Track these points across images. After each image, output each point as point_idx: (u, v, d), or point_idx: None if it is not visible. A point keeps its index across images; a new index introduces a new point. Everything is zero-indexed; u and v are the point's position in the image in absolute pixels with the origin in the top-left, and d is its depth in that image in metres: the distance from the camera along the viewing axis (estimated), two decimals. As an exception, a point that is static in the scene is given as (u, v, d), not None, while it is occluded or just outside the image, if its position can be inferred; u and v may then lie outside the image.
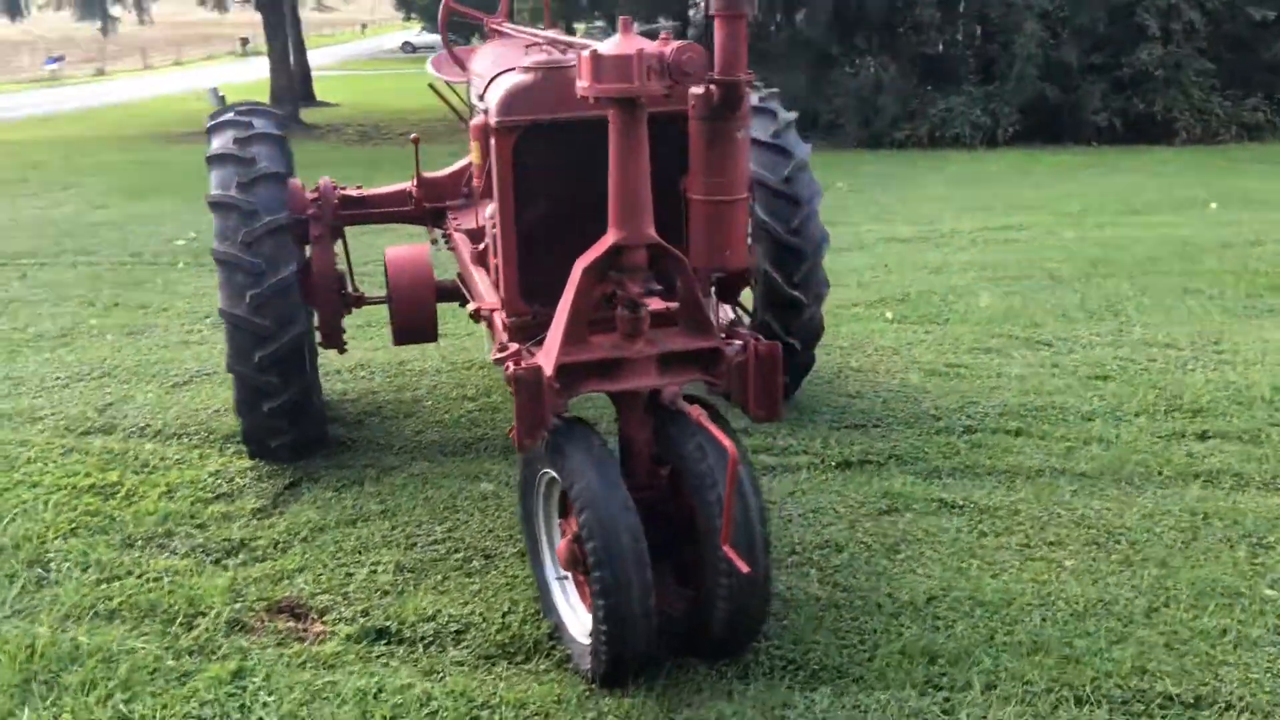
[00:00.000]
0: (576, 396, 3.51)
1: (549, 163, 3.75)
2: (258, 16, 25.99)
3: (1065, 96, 19.60)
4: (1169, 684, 3.41)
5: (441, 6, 5.51)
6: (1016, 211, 12.33)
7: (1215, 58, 19.41)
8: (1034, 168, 16.54)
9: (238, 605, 4.05)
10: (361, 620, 3.92)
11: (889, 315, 7.83)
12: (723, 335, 3.69)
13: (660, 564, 3.72)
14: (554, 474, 3.54)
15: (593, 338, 3.52)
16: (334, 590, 4.14)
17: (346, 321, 5.68)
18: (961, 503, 4.68)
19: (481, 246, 4.61)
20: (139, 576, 4.26)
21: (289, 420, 5.16)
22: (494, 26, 5.44)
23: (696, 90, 3.40)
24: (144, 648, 3.75)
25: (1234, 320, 7.44)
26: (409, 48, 55.70)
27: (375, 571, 4.27)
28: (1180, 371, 6.32)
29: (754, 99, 5.73)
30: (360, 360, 6.92)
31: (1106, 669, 3.49)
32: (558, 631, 3.75)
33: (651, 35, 3.45)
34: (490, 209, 4.14)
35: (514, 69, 3.91)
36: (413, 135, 5.69)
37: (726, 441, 3.24)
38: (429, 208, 5.66)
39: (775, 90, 5.89)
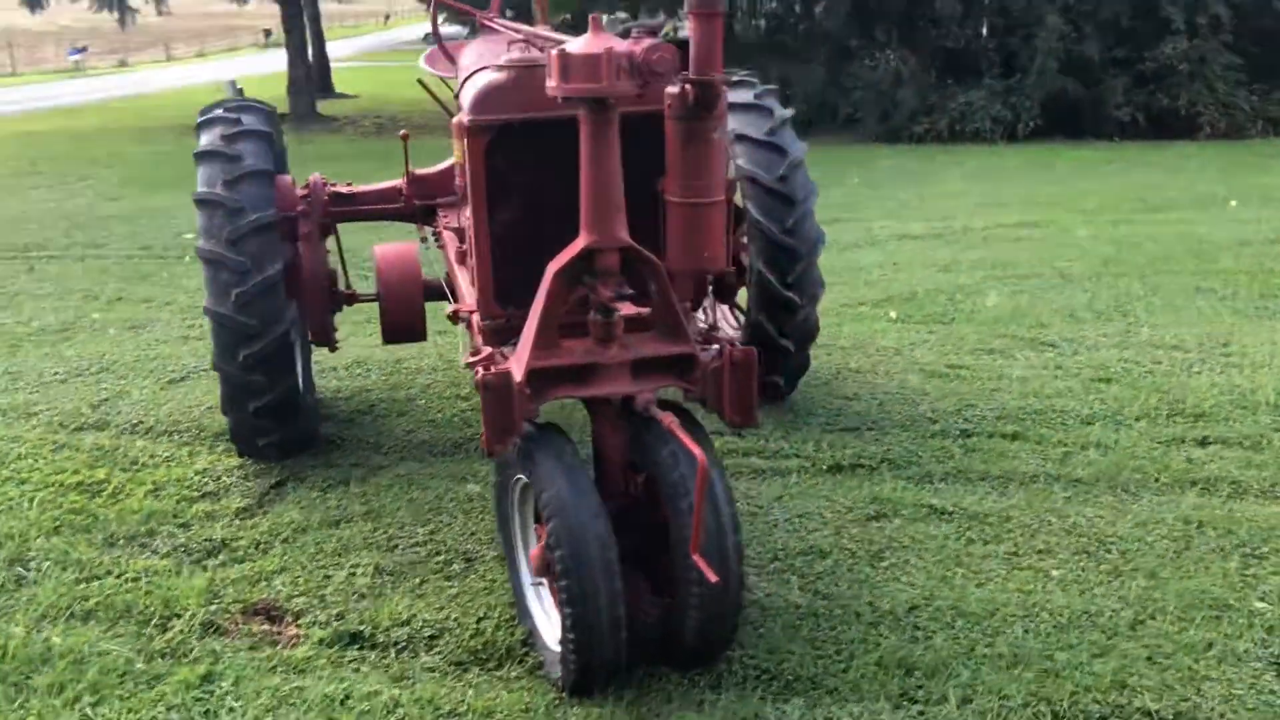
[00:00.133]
0: (548, 402, 3.46)
1: (523, 163, 3.70)
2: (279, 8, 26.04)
3: (1087, 91, 19.35)
4: (1149, 699, 3.33)
5: (432, 1, 5.46)
6: (1032, 208, 12.18)
7: (1242, 51, 19.12)
8: (1054, 163, 16.34)
9: (213, 607, 4.03)
10: (336, 624, 3.88)
11: (893, 314, 7.74)
12: (699, 340, 3.63)
13: (635, 571, 3.68)
14: (527, 479, 3.49)
15: (566, 342, 3.47)
16: (311, 593, 4.11)
17: (345, 318, 5.64)
18: (951, 509, 4.60)
19: (464, 246, 4.56)
20: (118, 577, 4.24)
21: (276, 419, 5.12)
22: (484, 21, 5.39)
23: (672, 90, 3.33)
24: (116, 650, 3.73)
25: (1245, 321, 7.31)
26: (428, 38, 55.64)
27: (354, 574, 4.24)
28: (1185, 374, 6.21)
29: (749, 95, 5.68)
30: (357, 358, 6.89)
31: (1086, 683, 3.41)
32: (531, 638, 3.71)
33: (625, 34, 3.38)
34: (468, 209, 4.09)
35: (488, 67, 3.85)
36: (401, 132, 5.65)
37: (696, 450, 3.17)
38: (420, 205, 5.61)
39: (772, 87, 5.79)
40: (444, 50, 5.50)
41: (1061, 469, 4.97)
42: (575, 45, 3.17)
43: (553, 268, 3.37)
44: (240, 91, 26.52)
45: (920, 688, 3.43)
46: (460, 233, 4.92)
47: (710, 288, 6.18)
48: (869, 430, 5.49)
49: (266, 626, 3.94)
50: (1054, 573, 4.09)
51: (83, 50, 50.60)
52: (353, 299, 5.73)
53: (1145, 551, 4.22)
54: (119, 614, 3.98)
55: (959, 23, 20.37)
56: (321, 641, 3.78)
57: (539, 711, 3.35)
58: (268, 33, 59.18)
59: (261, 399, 5.01)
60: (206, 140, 5.17)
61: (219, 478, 5.18)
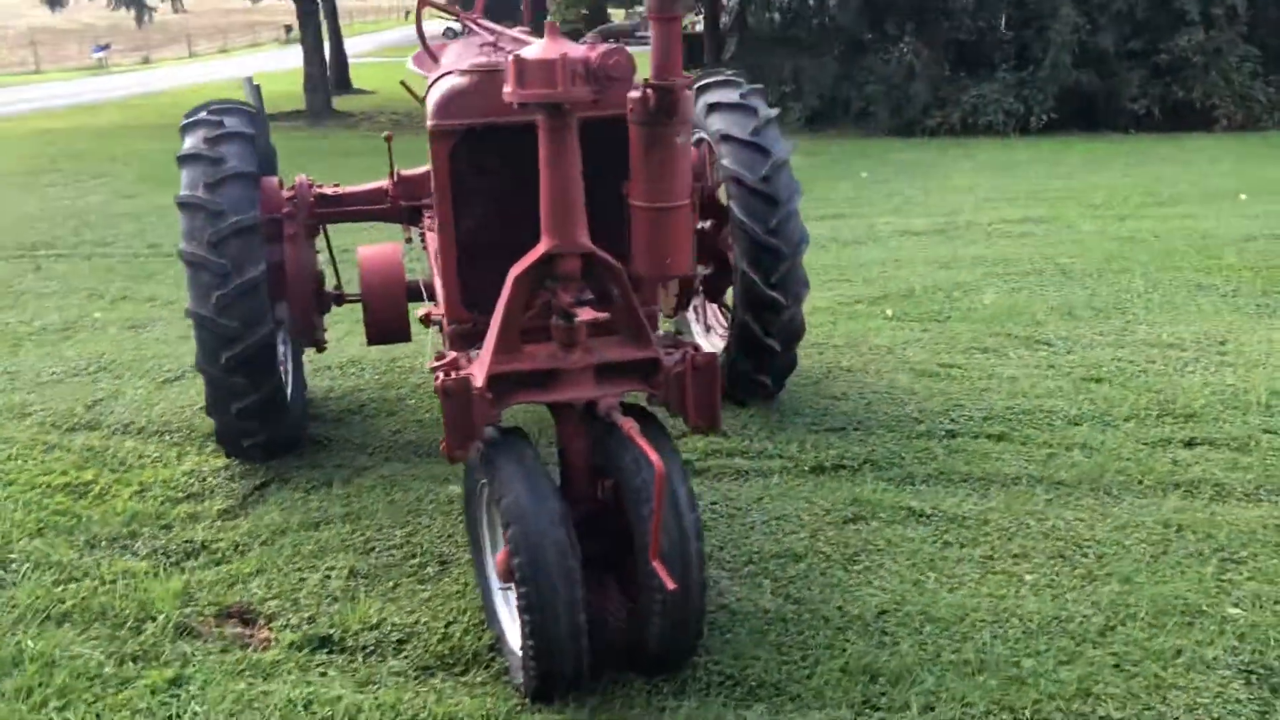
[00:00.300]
0: (509, 407, 3.46)
1: (487, 168, 3.70)
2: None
3: (1102, 83, 19.24)
4: (1112, 707, 3.31)
5: (418, 1, 5.45)
6: (1039, 203, 12.10)
7: (1259, 43, 18.93)
8: (1066, 156, 16.22)
9: (188, 610, 4.05)
10: (306, 628, 3.90)
11: (889, 312, 7.70)
12: (668, 345, 3.63)
13: (605, 576, 3.68)
14: (488, 484, 3.49)
15: (529, 348, 3.47)
16: (284, 595, 4.13)
17: (342, 318, 5.65)
18: (930, 511, 4.58)
19: None
20: (96, 579, 4.27)
21: (260, 420, 5.15)
22: (466, 22, 5.38)
23: (634, 94, 3.32)
24: (88, 653, 3.76)
25: (1244, 319, 7.24)
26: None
27: (329, 577, 4.26)
28: (1178, 374, 6.15)
29: (735, 95, 5.66)
30: (352, 357, 6.92)
31: (1051, 690, 3.39)
32: (499, 643, 3.71)
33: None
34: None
35: (453, 72, 3.85)
36: (385, 134, 5.66)
37: (654, 456, 3.16)
38: (405, 206, 5.62)
39: (758, 86, 5.76)
40: (428, 51, 5.50)
41: (1044, 471, 4.94)
42: (531, 51, 3.16)
43: (514, 273, 3.37)
44: (257, 89, 26.67)
45: (884, 695, 3.42)
46: None
47: (700, 287, 6.22)
48: (854, 431, 5.47)
49: (239, 629, 3.96)
50: (1027, 577, 4.06)
51: (105, 48, 50.96)
52: (341, 299, 5.75)
53: (1122, 555, 4.19)
54: (94, 616, 4.01)
55: (972, 15, 20.25)
56: (291, 645, 3.80)
57: (499, 717, 3.36)
58: (289, 28, 59.42)
59: (244, 400, 5.04)
60: (190, 143, 5.20)
61: (205, 479, 5.21)
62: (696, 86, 5.88)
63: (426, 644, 3.77)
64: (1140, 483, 4.81)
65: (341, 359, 6.85)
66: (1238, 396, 5.72)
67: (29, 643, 3.81)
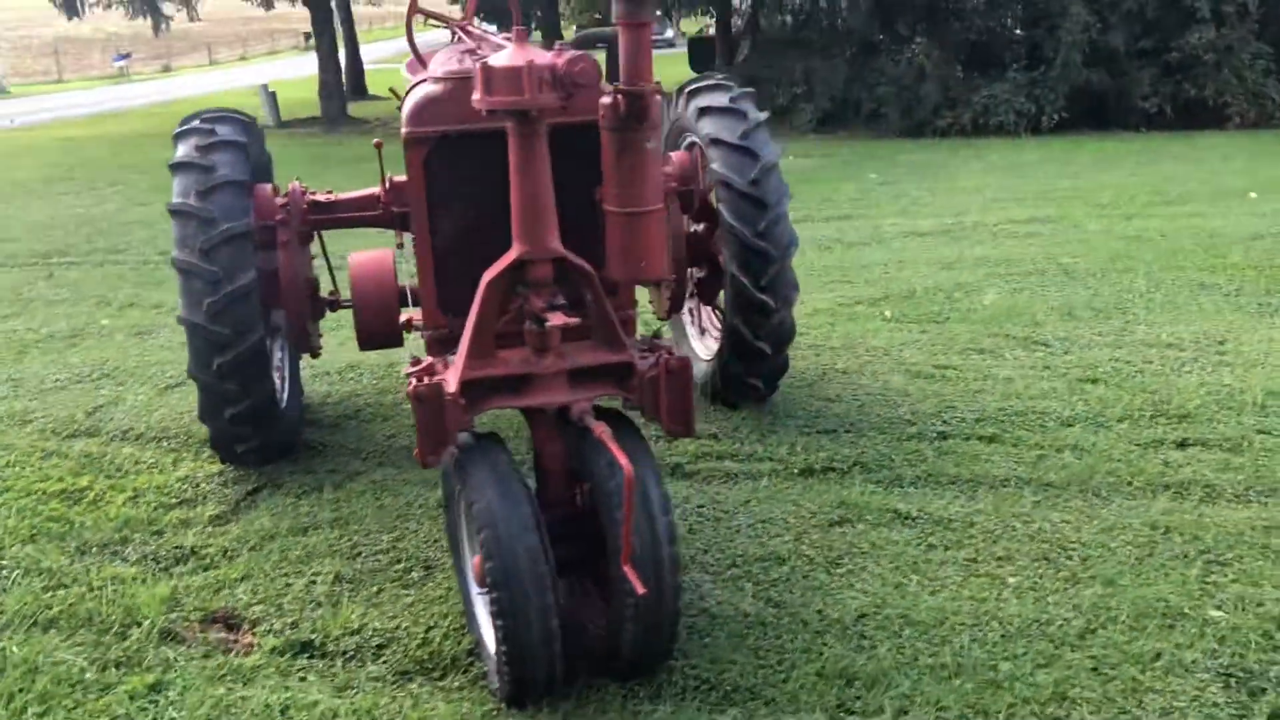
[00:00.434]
0: (483, 412, 3.48)
1: (461, 174, 3.72)
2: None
3: (1113, 82, 19.11)
4: (1086, 711, 3.29)
5: (408, 8, 5.48)
6: (1046, 203, 12.04)
7: (1271, 40, 18.77)
8: (1076, 156, 16.12)
9: (173, 615, 4.08)
10: (289, 633, 3.93)
11: (888, 314, 7.69)
12: (643, 349, 3.64)
13: (584, 582, 3.69)
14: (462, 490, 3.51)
15: (503, 353, 3.48)
16: (269, 601, 4.16)
17: (342, 322, 5.66)
18: (916, 514, 4.57)
19: None
20: (85, 585, 4.31)
21: (253, 426, 5.19)
22: (457, 28, 5.41)
23: (605, 100, 3.33)
24: (71, 659, 3.79)
25: (1245, 318, 7.18)
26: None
27: (314, 582, 4.28)
28: (1175, 374, 6.11)
29: (725, 99, 5.66)
30: (350, 362, 6.95)
31: (1026, 694, 3.38)
32: (479, 647, 3.72)
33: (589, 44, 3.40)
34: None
35: (428, 79, 3.87)
36: (375, 140, 5.68)
37: (624, 460, 3.17)
38: (397, 212, 5.63)
39: (748, 90, 5.76)
40: (419, 58, 5.53)
41: (1034, 473, 4.92)
42: (498, 58, 3.18)
43: (486, 278, 3.39)
44: (273, 96, 26.91)
45: (859, 698, 3.41)
46: None
47: (695, 289, 6.22)
48: (846, 433, 5.46)
49: (223, 634, 3.99)
50: (1010, 580, 4.05)
51: (127, 56, 51.40)
52: (335, 305, 5.78)
53: (1106, 558, 4.17)
54: (80, 623, 4.05)
55: (983, 15, 20.16)
56: (273, 650, 3.83)
57: (473, 721, 3.37)
58: (308, 35, 59.78)
59: (237, 406, 5.08)
60: (182, 151, 5.25)
61: (198, 484, 5.25)
62: (688, 90, 5.90)
63: (406, 649, 3.79)
64: (1130, 484, 4.78)
65: (340, 364, 6.89)
66: (1233, 397, 5.68)
67: (13, 649, 3.85)
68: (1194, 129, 18.24)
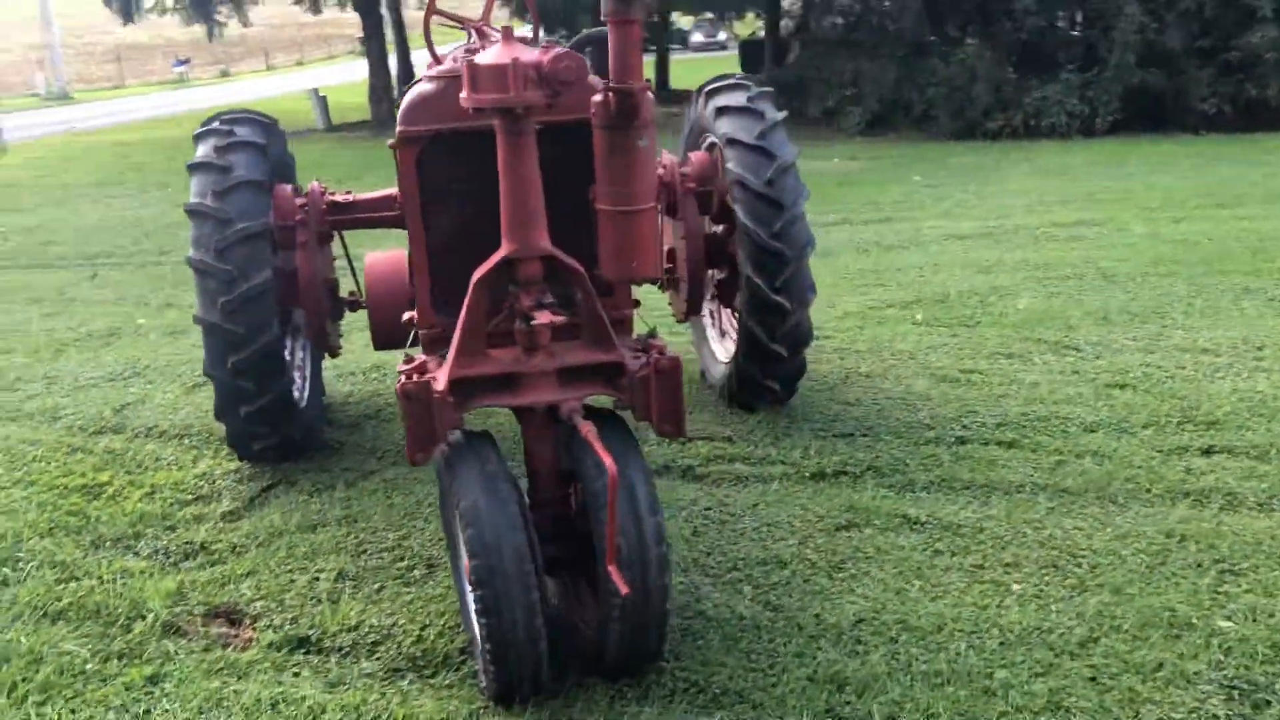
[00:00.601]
0: (472, 410, 3.48)
1: (453, 173, 3.72)
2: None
3: (1169, 82, 18.75)
4: (1080, 722, 3.21)
5: (426, 9, 5.50)
6: (1092, 206, 11.83)
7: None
8: (1128, 159, 15.83)
9: (178, 609, 4.13)
10: (288, 628, 3.95)
11: (919, 317, 7.59)
12: (636, 348, 3.62)
13: (578, 581, 3.68)
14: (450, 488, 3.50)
15: (494, 351, 3.48)
16: (272, 596, 4.19)
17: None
18: (925, 519, 4.49)
19: None
20: (95, 578, 4.37)
21: (268, 424, 5.24)
22: (473, 29, 5.42)
23: (597, 98, 3.32)
24: (75, 650, 3.84)
25: (1287, 323, 6.99)
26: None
27: (317, 579, 4.31)
28: (1208, 380, 5.96)
29: (743, 99, 5.62)
30: (376, 362, 6.99)
31: (1019, 703, 3.30)
32: (472, 645, 3.72)
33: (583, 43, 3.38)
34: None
35: (423, 78, 3.88)
36: (390, 141, 5.71)
37: (608, 460, 3.15)
38: (413, 212, 5.66)
39: (767, 90, 5.71)
40: (436, 60, 5.55)
41: (1050, 479, 4.81)
42: (484, 56, 3.17)
43: (475, 277, 3.38)
44: (323, 100, 27.27)
45: (848, 704, 3.36)
46: None
47: (714, 291, 6.18)
48: (862, 437, 5.39)
49: (225, 629, 4.03)
50: (1015, 587, 3.96)
51: (185, 62, 52.40)
52: (355, 305, 5.81)
53: (1117, 566, 4.06)
54: (88, 615, 4.10)
55: (1036, 15, 19.87)
56: (271, 645, 3.85)
57: (459, 719, 3.36)
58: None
59: (252, 404, 5.13)
60: (201, 152, 5.32)
61: (215, 481, 5.31)
62: (707, 90, 5.87)
63: (400, 646, 3.79)
64: (1148, 491, 4.66)
65: (365, 364, 6.94)
66: (1265, 403, 5.52)
67: (21, 639, 3.91)
68: (1255, 130, 17.82)
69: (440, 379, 3.40)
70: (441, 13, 5.60)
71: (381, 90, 25.33)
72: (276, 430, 5.31)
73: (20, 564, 4.53)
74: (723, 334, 6.30)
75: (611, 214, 3.43)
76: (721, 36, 49.18)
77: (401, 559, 4.43)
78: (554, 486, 3.59)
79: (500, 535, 3.22)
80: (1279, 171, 13.77)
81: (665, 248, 5.97)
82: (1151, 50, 18.54)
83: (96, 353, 7.76)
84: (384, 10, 26.16)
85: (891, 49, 21.31)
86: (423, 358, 3.64)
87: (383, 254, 5.46)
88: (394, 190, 5.75)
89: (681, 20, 48.59)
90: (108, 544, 4.70)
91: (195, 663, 3.76)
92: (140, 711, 3.49)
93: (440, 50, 4.46)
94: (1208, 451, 5.02)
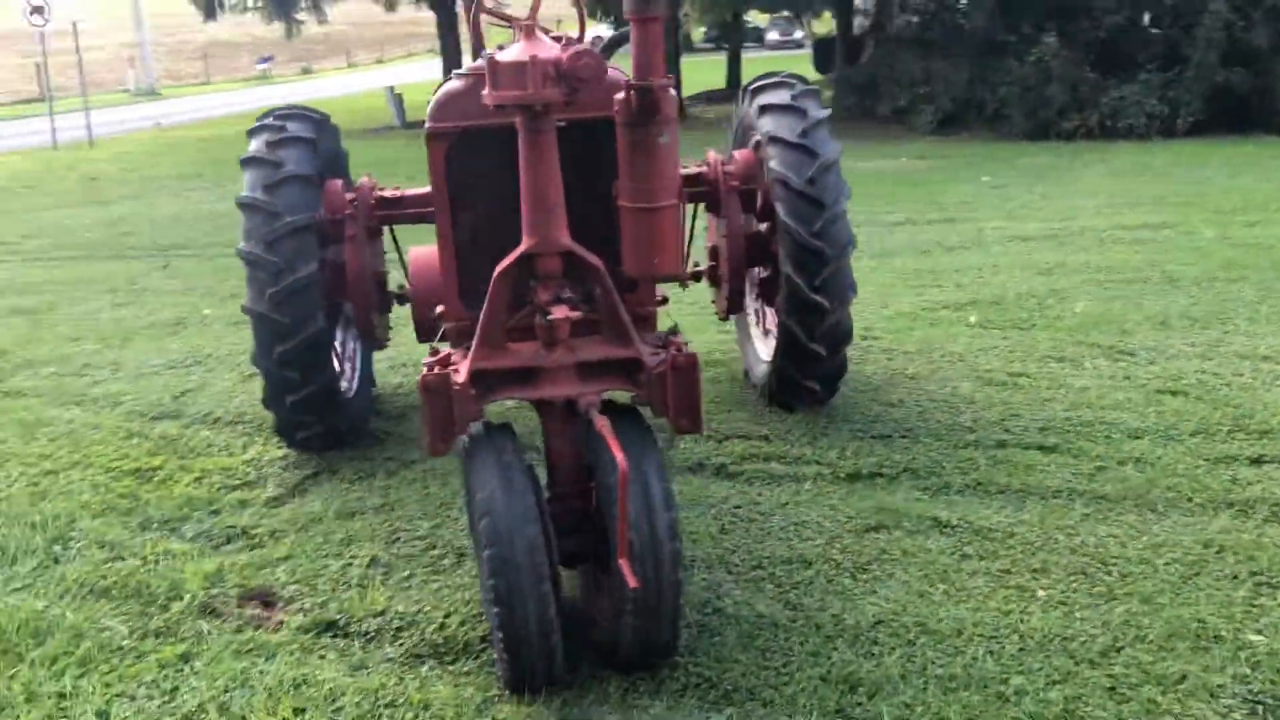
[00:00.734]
0: (492, 402, 3.53)
1: (480, 169, 3.78)
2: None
3: (1255, 82, 18.20)
4: (1094, 731, 3.16)
5: (474, 6, 5.57)
6: (1164, 208, 11.56)
7: None
8: (1208, 160, 15.41)
9: (215, 590, 4.25)
10: (317, 612, 4.05)
11: (973, 319, 7.49)
12: (656, 344, 3.64)
13: (598, 575, 3.71)
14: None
15: (514, 345, 3.53)
16: (305, 581, 4.29)
17: None
18: (956, 522, 4.45)
19: None
20: (140, 558, 4.52)
21: (313, 413, 5.36)
22: (521, 27, 5.47)
23: (619, 95, 3.35)
24: (115, 626, 3.98)
25: (1355, 331, 6.77)
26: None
27: (350, 565, 4.40)
28: (1265, 388, 5.80)
29: (787, 97, 5.60)
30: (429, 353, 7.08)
31: (1032, 710, 3.25)
32: (492, 633, 3.77)
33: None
34: None
35: (454, 75, 3.94)
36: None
37: (619, 455, 3.17)
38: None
39: (812, 88, 5.68)
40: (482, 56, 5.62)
41: (1089, 485, 4.73)
42: (505, 54, 3.22)
43: (497, 271, 3.43)
44: (399, 98, 27.67)
45: (859, 705, 3.34)
46: None
47: (759, 288, 6.17)
48: (901, 438, 5.35)
49: (258, 611, 4.13)
50: (1041, 593, 3.91)
51: (269, 59, 53.51)
52: (403, 298, 5.91)
53: (1149, 575, 3.99)
54: (130, 593, 4.25)
55: (1115, 12, 19.43)
56: (299, 628, 3.95)
57: (471, 706, 3.42)
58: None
59: (298, 393, 5.25)
60: (254, 147, 5.46)
61: (261, 468, 5.45)
62: (752, 88, 5.86)
63: (423, 633, 3.86)
64: (1190, 500, 4.56)
65: (417, 356, 7.04)
66: (1323, 413, 5.37)
67: (68, 614, 4.06)
68: (1350, 132, 17.26)
69: (461, 371, 3.46)
70: (489, 10, 5.68)
71: (455, 87, 25.58)
72: (321, 419, 5.42)
73: (72, 543, 4.70)
74: (766, 333, 6.28)
75: (633, 211, 3.46)
76: (798, 35, 48.86)
77: (433, 547, 4.51)
78: (573, 480, 3.63)
79: (514, 527, 3.27)
80: (1366, 175, 13.31)
81: (708, 245, 5.99)
82: (1236, 49, 18.02)
83: (162, 341, 7.99)
84: (458, 8, 26.40)
85: (965, 47, 21.00)
86: (445, 350, 3.71)
87: (426, 248, 5.53)
88: (439, 186, 5.87)
89: (758, 18, 48.38)
90: (155, 526, 4.85)
91: (226, 643, 3.87)
92: (169, 688, 3.61)
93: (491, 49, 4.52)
94: (1257, 461, 4.90)
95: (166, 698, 3.56)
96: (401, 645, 3.82)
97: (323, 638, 3.90)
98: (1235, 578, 3.94)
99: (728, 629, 3.77)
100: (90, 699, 3.55)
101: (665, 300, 4.38)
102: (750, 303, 6.37)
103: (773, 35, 52.78)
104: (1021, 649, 3.57)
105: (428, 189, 5.89)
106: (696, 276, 6.01)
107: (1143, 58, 19.30)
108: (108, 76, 47.99)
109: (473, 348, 3.47)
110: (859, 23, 26.80)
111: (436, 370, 3.48)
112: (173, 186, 17.09)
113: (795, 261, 5.30)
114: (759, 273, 6.06)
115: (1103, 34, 19.54)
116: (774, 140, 5.42)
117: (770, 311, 6.29)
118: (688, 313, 7.72)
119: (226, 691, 3.57)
